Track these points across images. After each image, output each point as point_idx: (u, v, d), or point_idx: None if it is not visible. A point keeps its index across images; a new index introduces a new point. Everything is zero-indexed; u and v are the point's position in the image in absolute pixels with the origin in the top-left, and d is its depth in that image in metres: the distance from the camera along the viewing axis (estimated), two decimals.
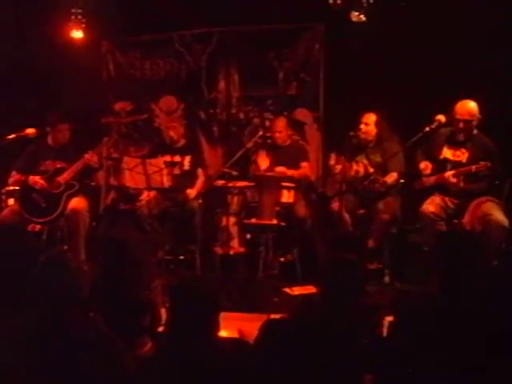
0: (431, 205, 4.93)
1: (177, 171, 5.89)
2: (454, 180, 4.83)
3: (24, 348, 2.31)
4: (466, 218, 4.83)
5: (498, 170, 4.71)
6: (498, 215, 4.69)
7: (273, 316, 3.55)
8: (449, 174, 4.85)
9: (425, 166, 5.02)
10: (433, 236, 4.79)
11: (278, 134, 5.85)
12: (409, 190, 5.22)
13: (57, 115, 5.58)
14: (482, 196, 4.84)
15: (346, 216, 5.27)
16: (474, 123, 4.87)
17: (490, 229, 4.64)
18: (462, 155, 4.92)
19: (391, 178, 5.26)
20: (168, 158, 5.85)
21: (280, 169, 5.66)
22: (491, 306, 2.52)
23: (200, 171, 6.01)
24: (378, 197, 5.25)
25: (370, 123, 5.42)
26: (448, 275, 2.72)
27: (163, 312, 2.91)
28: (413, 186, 5.15)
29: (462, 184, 4.84)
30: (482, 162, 4.65)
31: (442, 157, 5.00)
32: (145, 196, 5.70)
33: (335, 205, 5.23)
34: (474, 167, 4.69)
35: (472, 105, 4.85)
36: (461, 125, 4.85)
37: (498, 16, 5.35)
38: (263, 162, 5.92)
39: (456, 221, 4.91)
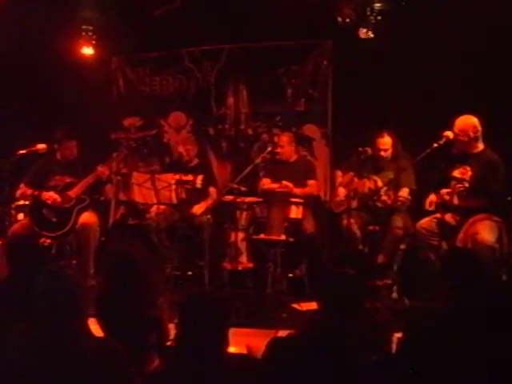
0: (424, 220, 4.99)
1: (188, 186, 5.90)
2: (447, 197, 4.82)
3: (29, 354, 2.32)
4: (460, 236, 4.78)
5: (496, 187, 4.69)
6: (485, 234, 4.62)
7: (281, 332, 3.55)
8: (444, 191, 4.85)
9: (429, 202, 4.98)
10: (427, 250, 4.93)
11: (280, 149, 5.87)
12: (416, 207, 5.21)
13: (63, 133, 5.62)
14: (481, 213, 4.77)
15: (357, 232, 5.28)
16: (467, 138, 4.82)
17: (476, 248, 4.57)
18: (466, 173, 4.89)
19: (404, 193, 5.25)
20: (180, 177, 5.85)
21: (287, 182, 5.66)
22: (499, 322, 2.51)
23: (212, 190, 5.99)
24: (392, 212, 5.24)
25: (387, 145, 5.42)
26: (456, 292, 2.71)
27: (171, 327, 2.91)
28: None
29: (456, 201, 4.80)
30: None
31: (451, 175, 4.97)
32: (154, 209, 5.71)
33: (346, 221, 5.18)
34: (458, 186, 4.77)
35: (466, 120, 4.83)
36: (453, 138, 4.84)
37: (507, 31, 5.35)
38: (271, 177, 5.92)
39: (448, 238, 4.84)
